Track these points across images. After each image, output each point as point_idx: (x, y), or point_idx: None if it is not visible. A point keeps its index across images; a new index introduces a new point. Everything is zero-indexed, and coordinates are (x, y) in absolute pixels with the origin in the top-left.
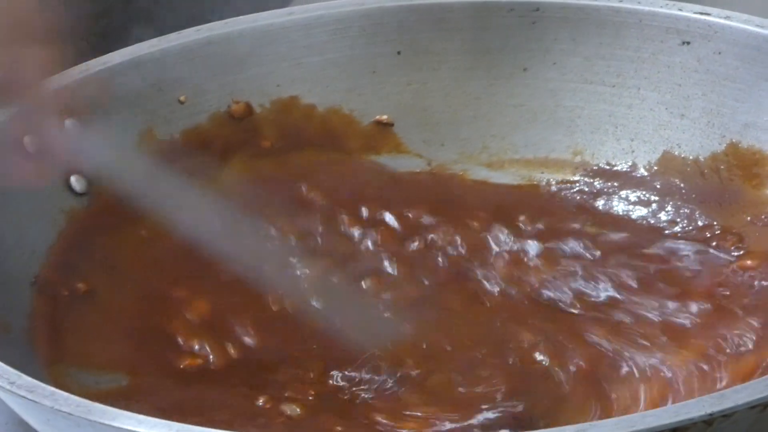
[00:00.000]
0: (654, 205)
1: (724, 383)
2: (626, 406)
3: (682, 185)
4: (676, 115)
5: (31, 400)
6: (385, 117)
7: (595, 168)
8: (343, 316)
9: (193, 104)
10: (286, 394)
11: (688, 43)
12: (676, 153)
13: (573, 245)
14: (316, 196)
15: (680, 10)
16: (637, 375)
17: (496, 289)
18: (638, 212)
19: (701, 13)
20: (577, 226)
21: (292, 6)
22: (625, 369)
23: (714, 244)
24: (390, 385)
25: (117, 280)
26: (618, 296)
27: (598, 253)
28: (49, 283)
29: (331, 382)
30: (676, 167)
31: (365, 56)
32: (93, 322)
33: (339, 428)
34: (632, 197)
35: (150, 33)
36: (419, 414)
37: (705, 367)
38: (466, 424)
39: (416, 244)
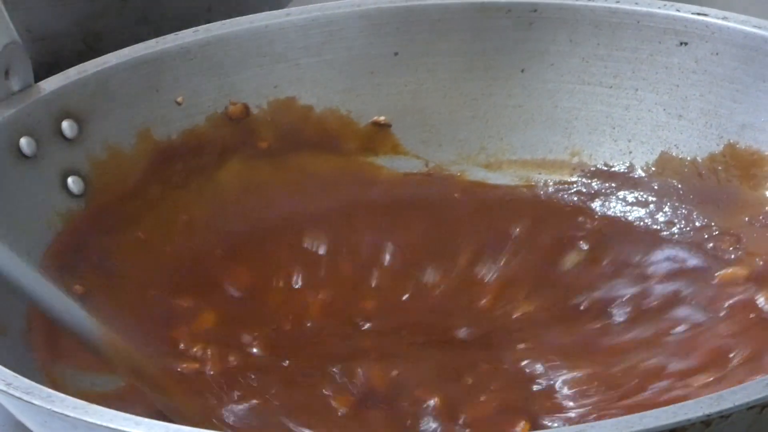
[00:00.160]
0: (651, 206)
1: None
2: None
3: (679, 186)
4: (673, 115)
5: (27, 401)
6: (382, 118)
7: (592, 169)
8: None
9: (190, 105)
10: None
11: (686, 43)
12: (674, 154)
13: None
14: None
15: (678, 10)
16: None
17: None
18: (636, 213)
19: (699, 14)
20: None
21: (289, 7)
22: None
23: (711, 245)
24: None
25: (114, 282)
26: None
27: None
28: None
29: None
30: (673, 168)
31: (363, 57)
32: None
33: None
34: (630, 198)
35: (147, 34)
36: None
37: None
38: None
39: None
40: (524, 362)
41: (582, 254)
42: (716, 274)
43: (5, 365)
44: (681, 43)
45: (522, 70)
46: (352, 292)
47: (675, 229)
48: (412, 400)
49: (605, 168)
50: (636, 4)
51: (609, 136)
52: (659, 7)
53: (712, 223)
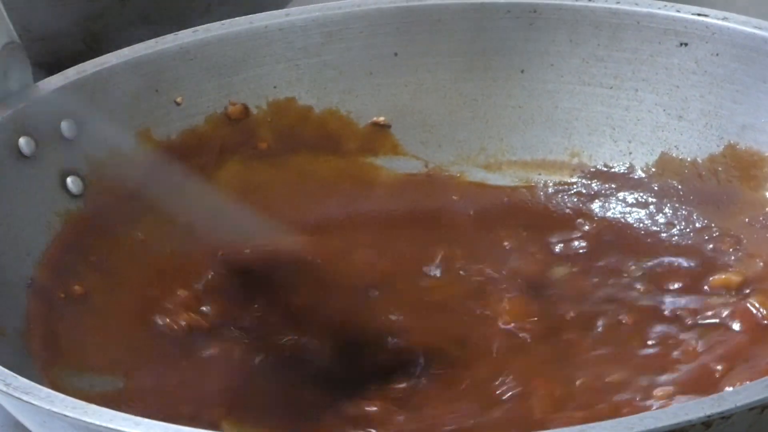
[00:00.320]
0: (651, 207)
1: None
2: None
3: (679, 187)
4: (673, 116)
5: (26, 402)
6: (382, 119)
7: (592, 170)
8: None
9: (189, 106)
10: None
11: (686, 44)
12: (674, 155)
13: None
14: None
15: (678, 11)
16: None
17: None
18: (636, 214)
19: (699, 15)
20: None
21: (289, 7)
22: None
23: (711, 246)
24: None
25: (113, 282)
26: None
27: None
28: (45, 285)
29: None
30: (673, 169)
31: (362, 58)
32: (89, 325)
33: None
34: (630, 199)
35: (147, 34)
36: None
37: None
38: None
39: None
40: None
41: (579, 258)
42: (710, 279)
43: (4, 365)
44: (681, 44)
45: (522, 71)
46: (352, 292)
47: (675, 230)
48: None
49: (605, 169)
50: (636, 4)
51: (609, 137)
52: (659, 8)
53: (713, 225)
